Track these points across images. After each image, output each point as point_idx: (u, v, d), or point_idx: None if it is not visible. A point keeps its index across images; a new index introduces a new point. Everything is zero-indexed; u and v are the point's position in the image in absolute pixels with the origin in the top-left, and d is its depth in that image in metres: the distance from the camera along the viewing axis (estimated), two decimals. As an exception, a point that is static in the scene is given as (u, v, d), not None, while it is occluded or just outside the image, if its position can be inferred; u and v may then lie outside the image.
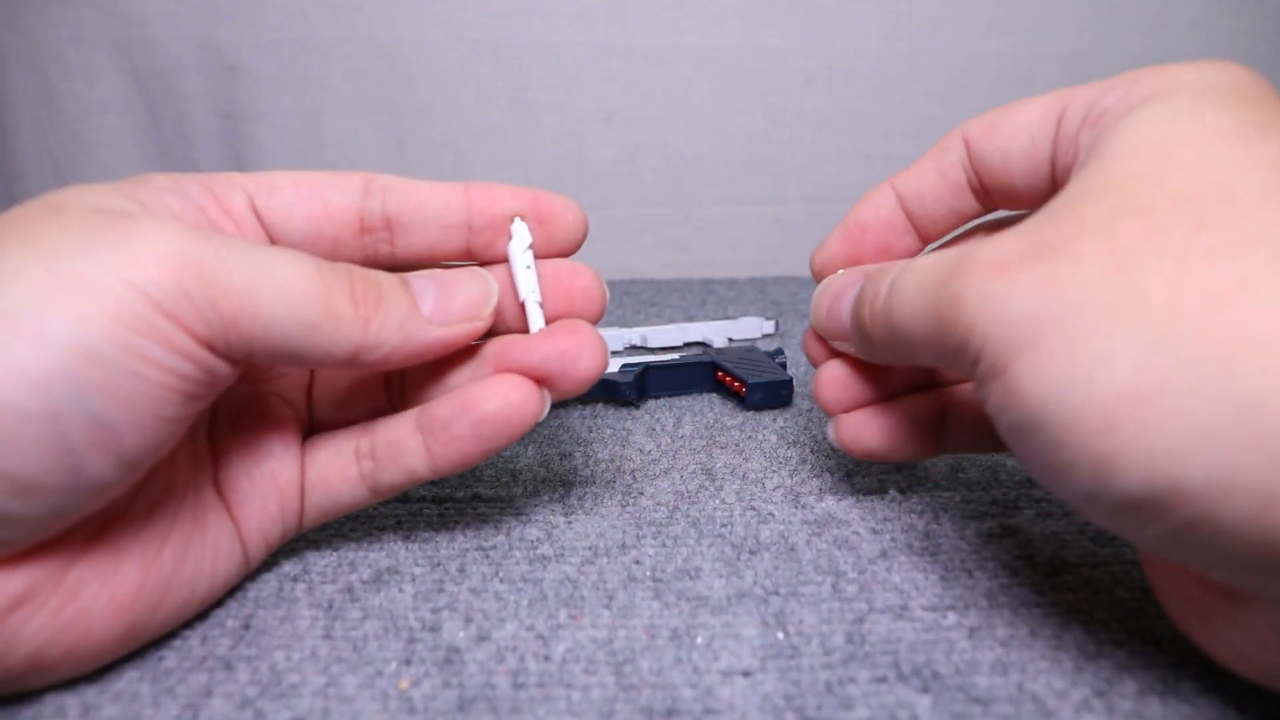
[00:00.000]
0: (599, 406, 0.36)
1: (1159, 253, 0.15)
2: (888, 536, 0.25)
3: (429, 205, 0.23)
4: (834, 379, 0.25)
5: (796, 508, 0.27)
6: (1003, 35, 0.58)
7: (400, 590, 0.23)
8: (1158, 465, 0.14)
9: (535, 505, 0.27)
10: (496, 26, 0.57)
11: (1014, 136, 0.21)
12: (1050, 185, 0.21)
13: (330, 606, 0.22)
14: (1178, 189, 0.15)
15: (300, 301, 0.18)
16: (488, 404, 0.21)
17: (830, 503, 0.27)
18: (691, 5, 0.57)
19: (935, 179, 0.23)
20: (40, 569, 0.17)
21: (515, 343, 0.22)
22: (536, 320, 0.23)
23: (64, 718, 0.18)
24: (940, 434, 0.25)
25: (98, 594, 0.18)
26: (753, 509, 0.27)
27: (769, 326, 0.47)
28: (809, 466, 0.30)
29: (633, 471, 0.30)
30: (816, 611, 0.21)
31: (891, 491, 0.28)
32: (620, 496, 0.28)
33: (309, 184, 0.22)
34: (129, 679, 0.19)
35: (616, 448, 0.32)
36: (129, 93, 0.57)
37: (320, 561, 0.24)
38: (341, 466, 0.23)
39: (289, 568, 0.24)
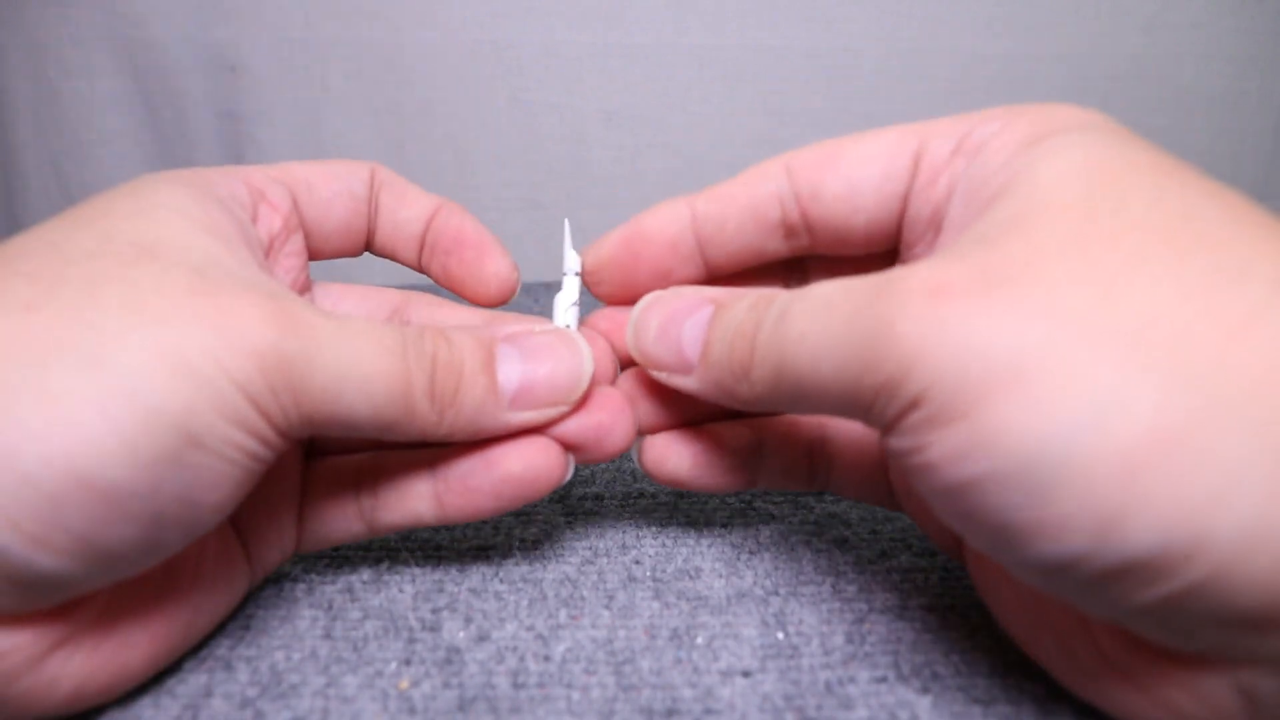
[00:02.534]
0: (599, 406, 0.36)
1: (1151, 278, 0.13)
2: (888, 536, 0.25)
3: (403, 213, 0.24)
4: (634, 394, 0.23)
5: (796, 508, 0.27)
6: (1003, 35, 0.58)
7: (400, 590, 0.23)
8: (1184, 517, 0.12)
9: (535, 505, 0.27)
10: (496, 26, 0.57)
11: (862, 165, 0.19)
12: (896, 226, 0.19)
13: (330, 606, 0.22)
14: (1140, 216, 0.14)
15: (382, 403, 0.18)
16: (512, 464, 0.20)
17: (830, 503, 0.27)
18: (691, 5, 0.57)
19: (743, 208, 0.21)
20: (81, 611, 0.17)
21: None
22: None
23: (64, 717, 0.18)
24: (754, 465, 0.23)
25: (131, 627, 0.18)
26: (753, 509, 0.27)
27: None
28: (809, 466, 0.30)
29: (633, 471, 0.30)
30: (816, 611, 0.21)
31: (891, 491, 0.28)
32: (620, 496, 0.28)
33: (336, 178, 0.23)
34: (129, 679, 0.19)
35: (616, 448, 0.32)
36: (129, 93, 0.57)
37: (320, 561, 0.24)
38: (340, 500, 0.22)
39: (289, 568, 0.24)
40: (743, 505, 0.27)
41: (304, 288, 0.23)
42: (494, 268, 0.23)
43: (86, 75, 0.57)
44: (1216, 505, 0.12)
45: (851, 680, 0.19)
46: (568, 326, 0.23)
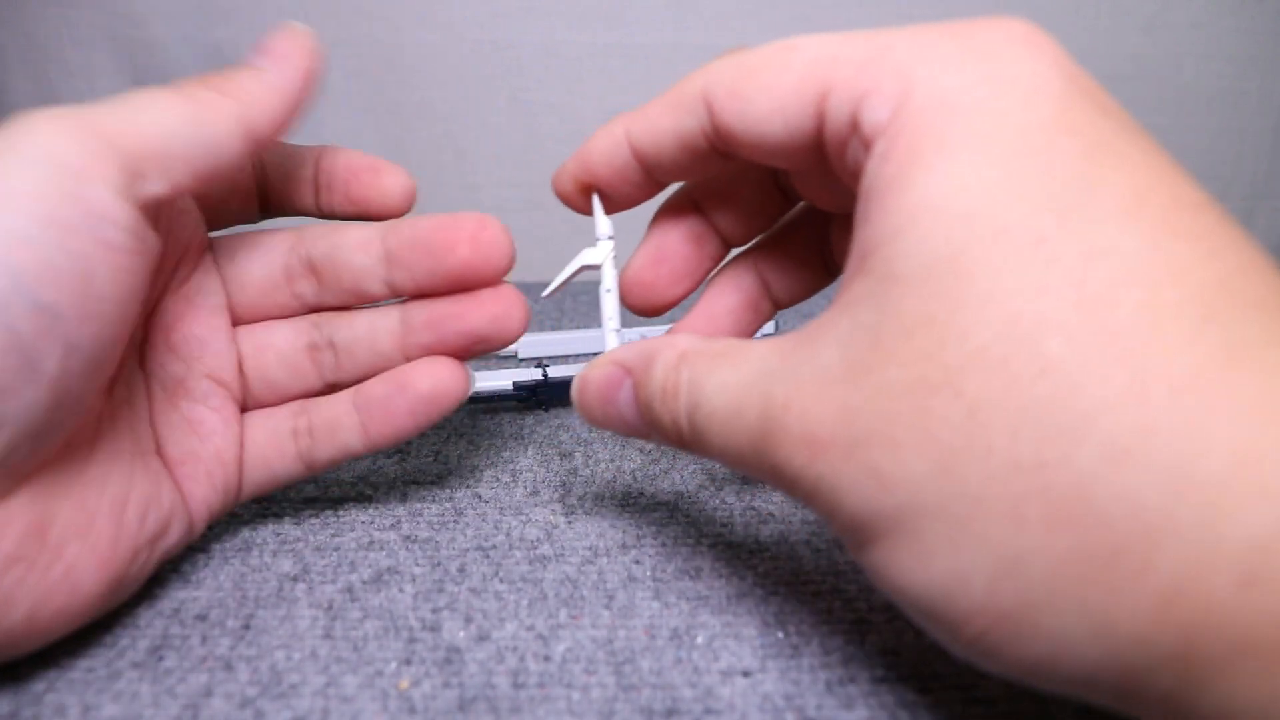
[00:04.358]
0: (599, 406, 0.36)
1: (984, 451, 0.13)
2: (888, 536, 0.25)
3: (286, 165, 0.25)
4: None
5: (796, 507, 0.27)
6: (1003, 35, 0.58)
7: (400, 590, 0.23)
8: (1028, 670, 0.14)
9: (535, 505, 0.27)
10: (496, 26, 0.57)
11: (768, 120, 0.18)
12: (816, 159, 0.18)
13: (330, 606, 0.22)
14: (980, 349, 0.14)
15: (168, 104, 0.19)
16: (421, 384, 0.24)
17: (830, 503, 0.27)
18: (691, 5, 0.57)
19: (673, 143, 0.20)
20: (23, 524, 0.18)
21: (447, 313, 0.24)
22: (611, 346, 0.23)
23: (64, 718, 0.18)
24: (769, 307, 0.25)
25: (80, 551, 0.19)
26: (753, 509, 0.27)
27: (769, 327, 0.47)
28: (809, 466, 0.30)
29: (633, 471, 0.30)
30: (816, 611, 0.21)
31: (891, 491, 0.28)
32: (620, 496, 0.28)
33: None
34: (129, 679, 0.19)
35: (616, 448, 0.32)
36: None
37: (320, 561, 0.24)
38: (279, 445, 0.24)
39: (289, 568, 0.24)
40: (743, 505, 0.27)
41: (201, 246, 0.24)
42: (392, 180, 0.25)
43: (86, 75, 0.57)
44: (1053, 665, 0.14)
45: (851, 680, 0.19)
46: (608, 291, 0.24)
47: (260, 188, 0.25)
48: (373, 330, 0.25)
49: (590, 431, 0.33)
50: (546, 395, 0.35)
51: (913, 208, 0.15)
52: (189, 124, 0.19)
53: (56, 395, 0.17)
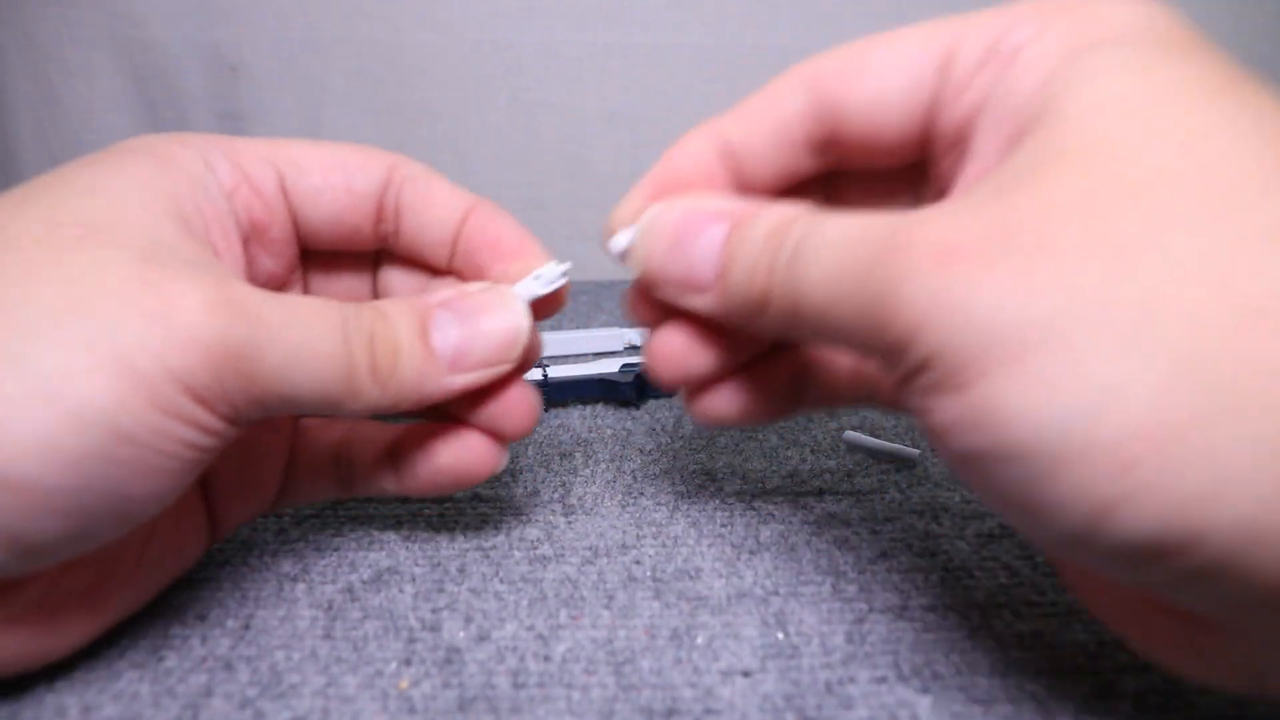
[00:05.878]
0: (599, 406, 0.36)
1: (1165, 251, 0.12)
2: (887, 536, 0.25)
3: (429, 214, 0.23)
4: (674, 352, 0.21)
5: (796, 508, 0.27)
6: (1003, 35, 0.58)
7: (400, 590, 0.23)
8: (1178, 511, 0.12)
9: (535, 505, 0.27)
10: (496, 26, 0.57)
11: (886, 77, 0.18)
12: (921, 135, 0.18)
13: (330, 606, 0.22)
14: (1167, 164, 0.13)
15: (328, 383, 0.18)
16: (441, 456, 0.22)
17: (830, 503, 0.27)
18: (691, 5, 0.57)
19: (770, 134, 0.19)
20: (15, 598, 0.17)
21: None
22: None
23: (64, 717, 0.18)
24: (800, 394, 0.23)
25: (72, 612, 0.18)
26: (753, 509, 0.27)
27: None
28: (809, 466, 0.30)
29: (633, 471, 0.30)
30: (816, 611, 0.21)
31: (891, 491, 0.28)
32: (620, 496, 0.28)
33: (338, 168, 0.22)
34: (129, 679, 0.19)
35: (616, 448, 0.32)
36: (129, 93, 0.57)
37: (320, 561, 0.24)
38: (320, 470, 0.24)
39: (289, 568, 0.24)
40: (743, 505, 0.27)
41: (289, 273, 0.23)
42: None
43: (86, 75, 0.57)
44: (1213, 500, 0.12)
45: (851, 680, 0.19)
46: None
47: (382, 227, 0.23)
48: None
49: (590, 431, 0.33)
50: (547, 395, 0.35)
51: (1082, 66, 0.15)
52: (327, 401, 0.18)
53: (93, 546, 0.17)
